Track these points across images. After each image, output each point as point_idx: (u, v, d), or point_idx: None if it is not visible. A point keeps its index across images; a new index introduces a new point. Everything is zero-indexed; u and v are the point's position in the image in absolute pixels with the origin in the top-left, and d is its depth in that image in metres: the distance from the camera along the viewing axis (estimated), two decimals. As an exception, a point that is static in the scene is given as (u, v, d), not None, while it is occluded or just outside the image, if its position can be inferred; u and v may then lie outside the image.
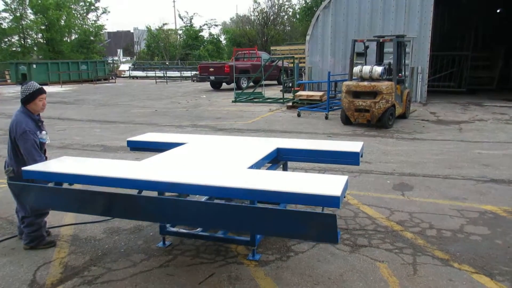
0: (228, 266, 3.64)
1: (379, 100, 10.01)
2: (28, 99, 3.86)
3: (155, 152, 4.44)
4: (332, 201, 2.69)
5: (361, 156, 4.26)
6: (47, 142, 3.99)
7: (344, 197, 3.02)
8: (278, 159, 4.36)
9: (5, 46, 34.51)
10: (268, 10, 44.93)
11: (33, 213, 3.99)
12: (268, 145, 4.30)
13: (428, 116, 12.20)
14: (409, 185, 5.85)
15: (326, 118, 11.97)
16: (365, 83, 10.21)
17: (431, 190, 5.62)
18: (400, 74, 11.12)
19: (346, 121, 10.91)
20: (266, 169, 4.31)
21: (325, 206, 2.89)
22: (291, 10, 46.31)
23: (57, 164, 3.69)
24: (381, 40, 11.29)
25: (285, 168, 4.73)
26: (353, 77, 10.89)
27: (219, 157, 4.03)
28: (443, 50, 18.45)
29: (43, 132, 3.96)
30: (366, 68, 10.38)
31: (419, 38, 14.78)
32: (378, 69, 10.22)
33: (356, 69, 10.58)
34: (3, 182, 6.08)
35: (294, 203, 3.89)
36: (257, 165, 3.69)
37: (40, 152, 3.87)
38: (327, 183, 2.95)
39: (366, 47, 11.67)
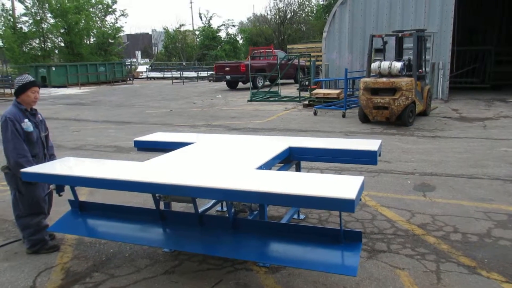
0: (237, 273, 3.42)
1: (399, 97, 9.64)
2: (19, 90, 3.77)
3: (163, 153, 4.27)
4: (346, 204, 2.44)
5: (379, 155, 3.98)
6: (29, 130, 3.73)
7: (360, 200, 2.75)
8: (290, 159, 4.11)
9: (26, 50, 35.09)
10: (285, 8, 44.62)
11: (26, 211, 3.82)
12: (279, 144, 4.06)
13: (450, 113, 11.75)
14: (431, 186, 5.53)
15: (344, 116, 11.65)
16: (384, 79, 9.86)
17: (454, 191, 5.28)
18: (420, 70, 10.73)
19: (364, 119, 10.57)
20: (278, 169, 4.09)
21: (338, 210, 2.64)
22: (309, 8, 45.96)
23: (57, 166, 3.53)
24: (400, 34, 10.91)
25: (298, 168, 4.49)
26: (371, 74, 10.54)
27: (226, 157, 3.81)
28: (465, 45, 17.84)
29: (25, 120, 3.73)
30: (385, 64, 10.03)
31: (440, 33, 14.28)
32: (397, 65, 9.86)
33: (374, 65, 10.23)
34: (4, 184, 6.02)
35: (305, 207, 3.66)
36: (266, 166, 3.46)
37: (22, 141, 3.65)
38: (341, 185, 2.70)
39: (385, 43, 11.31)
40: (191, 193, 2.93)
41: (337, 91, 13.84)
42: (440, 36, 14.30)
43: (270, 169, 3.64)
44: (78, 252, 3.91)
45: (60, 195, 3.60)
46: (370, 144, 3.95)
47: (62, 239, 4.20)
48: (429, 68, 14.06)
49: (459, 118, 10.91)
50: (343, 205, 2.45)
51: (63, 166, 3.55)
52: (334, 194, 2.48)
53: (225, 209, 4.68)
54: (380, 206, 4.83)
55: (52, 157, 4.05)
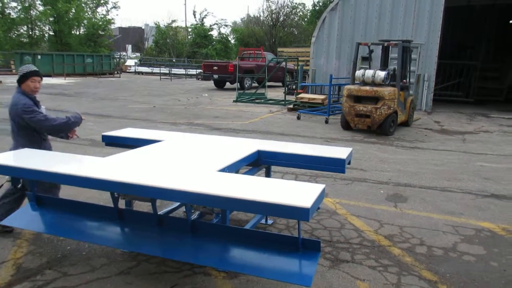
0: (194, 277, 3.33)
1: (381, 106, 9.66)
2: (21, 79, 3.91)
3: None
4: (301, 213, 2.37)
5: (349, 164, 3.92)
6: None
7: (318, 209, 2.69)
8: (259, 163, 4.04)
9: (13, 36, 34.45)
10: (278, 10, 44.63)
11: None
12: (248, 146, 3.98)
13: (432, 125, 11.82)
14: (404, 196, 5.51)
15: (326, 122, 11.63)
16: (367, 87, 9.86)
17: (426, 203, 5.27)
18: (404, 80, 10.76)
19: (346, 126, 10.57)
20: (245, 172, 4.01)
21: (294, 218, 2.57)
22: (302, 12, 46.08)
23: (13, 157, 3.40)
24: (386, 44, 10.94)
25: (268, 173, 4.41)
26: (355, 82, 10.55)
27: (191, 157, 3.72)
28: (452, 59, 18.04)
29: (42, 107, 3.99)
30: (369, 72, 10.03)
31: (427, 45, 14.39)
32: (381, 74, 9.87)
33: (359, 73, 10.23)
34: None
35: (260, 213, 3.57)
36: (230, 168, 3.37)
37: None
38: (299, 193, 2.63)
39: (371, 51, 11.33)
40: (148, 193, 2.83)
41: (322, 96, 13.83)
42: (427, 48, 14.41)
43: (235, 172, 3.56)
44: (34, 248, 3.77)
45: (16, 188, 3.47)
46: (339, 152, 3.89)
47: (20, 233, 4.05)
48: (414, 79, 14.13)
49: (440, 130, 10.98)
50: (298, 213, 2.38)
51: (19, 157, 3.41)
52: (289, 201, 2.40)
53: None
54: (350, 215, 4.78)
55: None
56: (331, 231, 4.34)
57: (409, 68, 11.56)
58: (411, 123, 11.61)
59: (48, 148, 4.20)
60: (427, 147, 8.82)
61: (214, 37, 47.57)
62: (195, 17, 48.19)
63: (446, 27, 15.00)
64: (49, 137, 4.29)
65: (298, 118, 12.27)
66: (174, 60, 41.40)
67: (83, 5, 37.57)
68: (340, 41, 15.80)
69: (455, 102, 17.49)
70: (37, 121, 3.84)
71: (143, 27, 73.99)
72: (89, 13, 39.14)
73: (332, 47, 16.00)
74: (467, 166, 7.24)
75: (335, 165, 3.71)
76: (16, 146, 3.96)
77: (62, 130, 4.07)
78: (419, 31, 14.47)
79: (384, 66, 11.15)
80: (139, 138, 4.41)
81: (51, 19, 34.78)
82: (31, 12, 34.51)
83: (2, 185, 3.64)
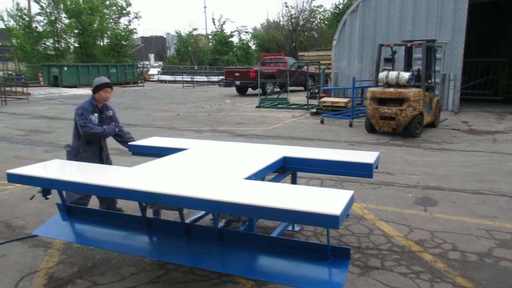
0: (222, 286, 3.32)
1: (406, 108, 9.48)
2: (95, 88, 4.50)
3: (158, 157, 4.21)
4: (331, 221, 2.32)
5: (376, 168, 3.85)
6: (94, 123, 4.47)
7: (347, 216, 2.63)
8: (284, 169, 4.01)
9: (40, 49, 35.51)
10: (297, 15, 44.55)
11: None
12: (273, 153, 3.96)
13: (460, 125, 11.52)
14: (433, 200, 5.37)
15: (350, 125, 11.50)
16: (391, 89, 9.71)
17: (457, 206, 5.12)
18: (429, 81, 10.56)
19: (371, 129, 10.42)
20: (271, 179, 3.98)
21: (323, 226, 2.52)
22: (321, 15, 45.86)
23: (44, 169, 3.47)
24: (409, 44, 10.76)
25: (293, 179, 4.37)
26: (379, 84, 10.41)
27: (217, 165, 3.72)
28: (477, 56, 17.57)
29: (95, 114, 4.49)
30: (393, 74, 9.88)
31: (452, 44, 14.08)
32: (405, 75, 9.70)
33: (382, 74, 10.09)
34: (5, 184, 6.00)
35: (288, 221, 3.53)
36: (257, 175, 3.36)
37: (95, 125, 4.44)
38: (328, 200, 2.58)
39: (394, 52, 11.15)
40: (175, 202, 2.84)
41: (345, 99, 13.71)
42: (452, 47, 14.10)
43: (261, 179, 3.54)
44: (65, 257, 3.84)
45: (47, 198, 3.54)
46: (366, 156, 3.83)
47: (50, 242, 4.13)
48: (440, 79, 13.84)
49: (468, 130, 10.69)
50: (328, 221, 2.34)
51: (49, 169, 3.49)
52: (318, 209, 2.36)
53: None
54: (378, 220, 4.69)
55: (130, 139, 4.81)
56: (359, 237, 4.26)
57: (434, 68, 11.33)
58: (438, 124, 11.36)
59: (103, 148, 4.69)
60: (455, 148, 8.60)
61: (234, 44, 47.86)
62: (214, 24, 48.64)
63: (470, 25, 14.63)
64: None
65: (322, 122, 12.18)
66: (196, 68, 41.84)
67: (106, 16, 38.42)
68: (361, 43, 15.64)
69: (483, 101, 17.02)
70: (80, 124, 4.39)
71: (164, 36, 75.20)
72: (112, 24, 39.99)
73: (353, 50, 15.85)
74: (499, 167, 7.01)
75: (363, 170, 3.65)
76: (73, 144, 4.54)
77: (98, 138, 4.54)
78: (443, 30, 14.18)
79: (407, 67, 10.96)
80: (164, 147, 4.45)
81: (76, 31, 35.69)
82: (57, 25, 35.48)
83: (33, 196, 3.72)
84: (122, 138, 4.79)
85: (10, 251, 3.96)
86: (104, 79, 4.59)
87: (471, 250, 3.94)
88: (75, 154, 4.51)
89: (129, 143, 4.72)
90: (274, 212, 2.43)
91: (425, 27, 14.42)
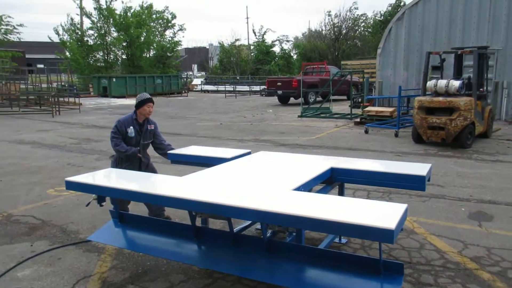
0: (270, 297, 3.30)
1: (456, 117, 9.13)
2: (138, 104, 4.78)
3: (199, 167, 4.31)
4: (385, 235, 2.26)
5: (428, 180, 3.72)
6: (131, 136, 4.78)
7: (402, 230, 2.56)
8: (332, 180, 3.95)
9: (91, 61, 37.24)
10: (340, 24, 44.19)
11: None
12: (321, 164, 3.92)
13: (514, 136, 10.96)
14: (489, 215, 5.11)
15: (396, 135, 11.21)
16: (440, 98, 9.39)
17: (515, 222, 4.85)
18: (481, 89, 10.13)
19: (418, 139, 10.11)
20: (319, 190, 3.94)
21: (376, 240, 2.46)
22: (364, 23, 45.23)
23: (98, 177, 3.61)
24: (459, 52, 10.39)
25: (341, 190, 4.31)
26: (427, 92, 10.10)
27: (264, 175, 3.73)
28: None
29: (131, 127, 4.77)
30: (442, 82, 9.56)
31: (505, 50, 13.46)
32: (456, 83, 9.36)
33: (430, 83, 9.79)
34: (60, 190, 6.30)
35: (340, 234, 3.47)
36: (305, 186, 3.33)
37: (121, 141, 4.73)
38: (381, 213, 2.52)
39: (443, 60, 10.80)
40: (225, 212, 2.87)
41: (390, 109, 13.39)
42: (505, 54, 13.48)
43: (309, 190, 3.51)
44: (117, 263, 3.96)
45: (101, 205, 3.68)
46: (418, 168, 3.71)
47: (103, 248, 4.28)
48: (492, 88, 13.24)
49: (524, 141, 10.14)
50: (382, 235, 2.28)
51: (105, 177, 3.63)
52: (372, 222, 2.31)
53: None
54: (429, 234, 4.52)
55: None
56: (410, 251, 4.12)
57: (486, 75, 10.88)
58: (491, 134, 10.86)
59: (142, 159, 4.93)
60: (510, 159, 8.17)
61: (276, 53, 48.07)
62: (255, 35, 49.06)
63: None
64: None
65: (366, 132, 11.95)
66: (238, 78, 42.35)
67: (152, 29, 39.77)
68: (407, 51, 15.28)
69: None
70: (110, 136, 4.79)
71: (207, 47, 76.75)
72: (158, 36, 41.32)
73: (399, 58, 15.50)
74: (560, 181, 6.59)
75: (414, 183, 3.54)
76: (116, 154, 4.88)
77: (120, 153, 4.79)
78: (495, 37, 13.59)
79: (457, 75, 10.58)
80: (202, 156, 4.62)
81: (124, 44, 37.18)
82: (107, 38, 37.13)
83: (89, 203, 3.88)
84: (163, 150, 5.01)
85: (66, 255, 4.13)
86: (146, 95, 4.82)
87: (533, 269, 3.71)
88: (117, 163, 4.83)
89: (168, 152, 4.92)
90: (326, 225, 2.40)
91: (476, 33, 13.88)
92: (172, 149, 5.00)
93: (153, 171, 5.01)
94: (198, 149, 5.03)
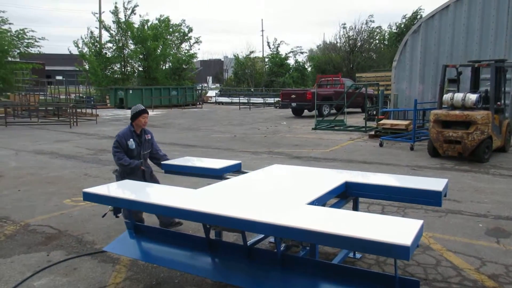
0: (283, 311, 3.28)
1: (473, 131, 9.02)
2: (134, 116, 4.95)
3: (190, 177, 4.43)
4: (401, 251, 2.24)
5: (445, 196, 3.68)
6: (132, 148, 4.93)
7: (418, 246, 2.53)
8: (346, 194, 3.94)
9: (108, 73, 37.91)
10: (355, 36, 44.20)
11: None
12: (335, 177, 3.91)
13: (533, 150, 10.75)
14: (507, 231, 5.01)
15: (412, 149, 11.10)
16: (457, 112, 9.30)
17: (535, 239, 4.74)
18: (499, 103, 10.00)
19: (434, 153, 10.00)
20: (333, 204, 3.93)
21: (392, 256, 2.44)
22: (380, 35, 45.13)
23: (114, 189, 3.67)
24: (476, 65, 10.29)
25: (355, 205, 4.28)
26: (443, 106, 10.01)
27: (278, 189, 3.74)
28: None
29: (131, 139, 4.92)
30: (458, 96, 9.48)
31: (523, 64, 13.25)
32: (472, 97, 9.27)
33: (447, 96, 9.71)
34: (77, 200, 6.39)
35: (355, 250, 3.44)
36: (319, 201, 3.33)
37: (123, 155, 4.86)
38: (396, 229, 2.50)
39: (459, 73, 10.70)
40: (239, 226, 2.88)
41: (406, 122, 13.29)
42: (523, 67, 13.27)
43: (323, 204, 3.50)
44: (131, 274, 3.99)
45: (117, 217, 3.73)
46: (434, 183, 3.67)
47: (118, 258, 4.32)
48: (509, 101, 13.05)
49: (543, 156, 9.95)
50: (397, 251, 2.26)
51: (120, 189, 3.68)
52: (387, 238, 2.29)
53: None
54: (445, 251, 4.45)
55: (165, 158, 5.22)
56: (425, 268, 4.05)
57: (504, 89, 10.74)
58: (508, 149, 10.68)
59: (145, 170, 5.05)
60: (529, 175, 8.02)
61: (290, 66, 48.23)
62: (269, 47, 49.32)
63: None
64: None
65: (381, 145, 11.87)
66: (252, 90, 42.57)
67: (169, 42, 40.35)
68: (423, 64, 15.18)
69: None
70: (112, 151, 4.94)
71: (222, 59, 77.49)
72: (174, 49, 41.89)
73: (415, 71, 15.41)
74: None
75: (430, 198, 3.50)
76: (119, 168, 4.99)
77: (124, 167, 4.92)
78: (513, 49, 13.42)
79: (474, 88, 10.47)
80: (193, 166, 4.75)
81: (141, 56, 37.79)
82: (124, 51, 37.80)
83: (105, 214, 3.93)
84: (158, 160, 5.18)
85: (81, 265, 4.18)
86: (141, 107, 4.99)
87: (554, 288, 3.61)
88: (122, 177, 4.88)
89: (162, 162, 5.07)
90: (341, 240, 2.39)
91: (493, 47, 13.73)
92: (167, 159, 5.17)
93: (156, 181, 5.15)
94: (190, 160, 5.24)
